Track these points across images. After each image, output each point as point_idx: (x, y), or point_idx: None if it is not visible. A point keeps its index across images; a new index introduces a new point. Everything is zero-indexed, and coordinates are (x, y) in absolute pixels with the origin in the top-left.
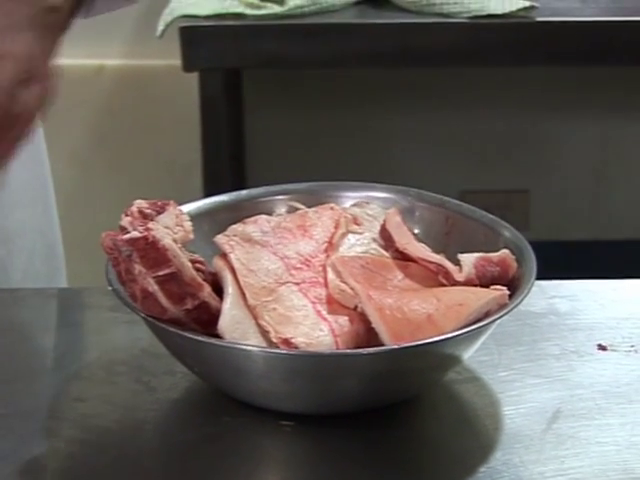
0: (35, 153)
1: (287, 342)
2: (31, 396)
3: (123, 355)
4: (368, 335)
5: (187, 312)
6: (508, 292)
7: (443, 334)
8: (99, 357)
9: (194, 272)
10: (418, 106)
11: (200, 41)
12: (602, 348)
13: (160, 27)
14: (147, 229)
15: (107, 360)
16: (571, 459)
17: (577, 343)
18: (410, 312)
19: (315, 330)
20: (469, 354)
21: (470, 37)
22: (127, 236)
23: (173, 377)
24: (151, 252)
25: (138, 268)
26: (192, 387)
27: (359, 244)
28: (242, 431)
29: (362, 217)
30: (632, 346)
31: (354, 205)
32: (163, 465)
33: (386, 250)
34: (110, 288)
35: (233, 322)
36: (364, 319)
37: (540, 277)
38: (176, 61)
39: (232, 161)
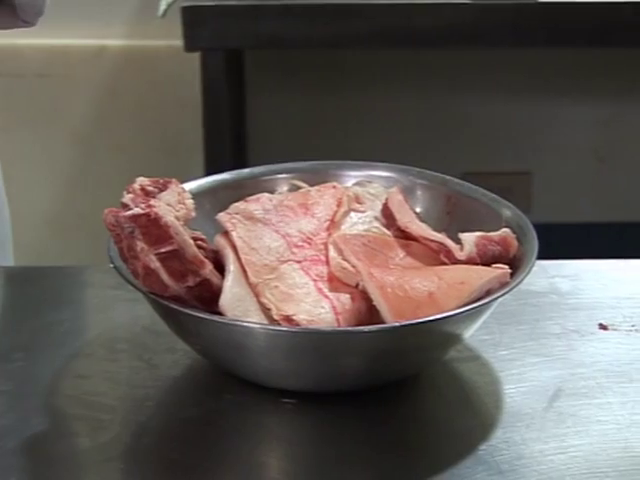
0: None
1: (289, 319)
2: (33, 373)
3: (124, 333)
4: (369, 313)
5: (189, 289)
6: (509, 270)
7: (444, 312)
8: (100, 335)
9: (196, 249)
10: (420, 87)
11: (202, 21)
12: (603, 327)
13: (162, 7)
14: (149, 206)
15: (108, 338)
16: (572, 437)
17: (578, 322)
18: (411, 290)
19: (317, 307)
20: (470, 332)
21: (472, 18)
22: (129, 213)
23: (174, 354)
24: (153, 229)
25: (140, 245)
26: (193, 364)
27: (361, 222)
28: (243, 409)
29: (364, 196)
30: (633, 325)
31: (356, 184)
32: (164, 442)
33: (388, 229)
34: (112, 265)
35: (234, 299)
36: (365, 297)
37: (542, 259)
38: (178, 41)
39: (234, 141)
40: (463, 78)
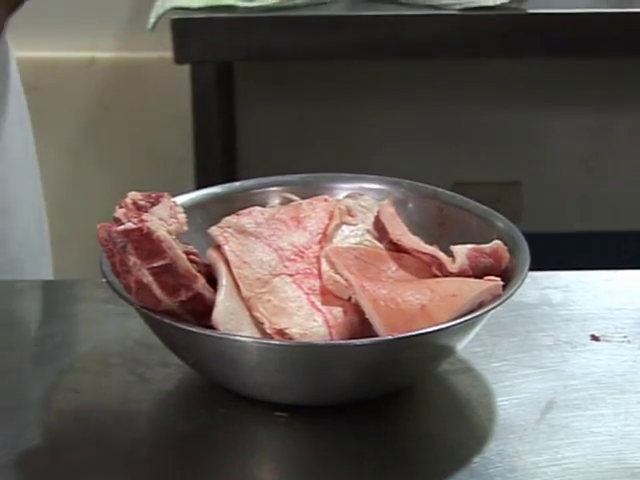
0: (23, 130)
1: (282, 333)
2: (25, 388)
3: (117, 347)
4: (362, 326)
5: (181, 303)
6: (502, 283)
7: (437, 325)
8: (93, 349)
9: (188, 264)
10: (410, 98)
11: (192, 33)
12: (595, 339)
13: (152, 19)
14: (141, 220)
15: (101, 352)
16: (565, 449)
17: (570, 334)
18: (404, 303)
19: (309, 321)
20: (463, 345)
21: (461, 29)
22: (122, 227)
23: (167, 369)
24: (146, 243)
25: (133, 259)
26: (186, 378)
27: (353, 235)
28: (236, 422)
29: (355, 209)
30: (625, 337)
31: (347, 197)
32: (157, 456)
33: (380, 241)
34: (104, 280)
35: (227, 314)
36: (358, 310)
37: (533, 269)
38: (168, 53)
39: (224, 153)
40: (452, 89)
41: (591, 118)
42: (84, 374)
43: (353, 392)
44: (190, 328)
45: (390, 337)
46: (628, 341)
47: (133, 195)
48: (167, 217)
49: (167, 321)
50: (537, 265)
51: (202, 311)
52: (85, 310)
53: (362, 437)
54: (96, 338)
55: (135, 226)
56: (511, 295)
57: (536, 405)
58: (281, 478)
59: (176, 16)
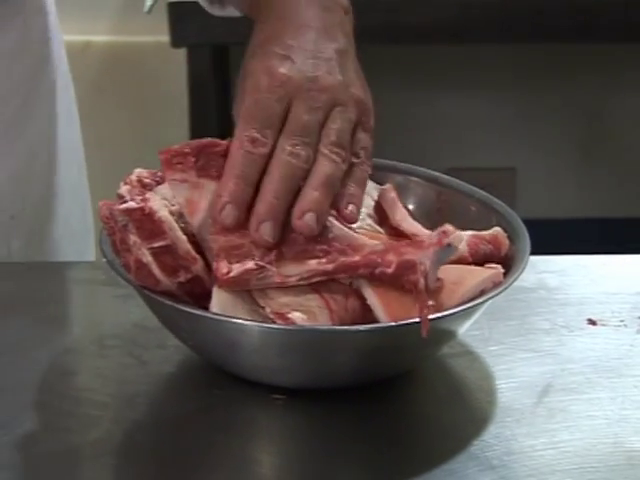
0: (71, 115)
1: (283, 317)
2: (22, 370)
3: (115, 329)
4: (363, 311)
5: (180, 285)
6: (503, 270)
7: (438, 312)
8: (91, 331)
9: (189, 245)
10: (404, 83)
11: (188, 17)
12: (592, 323)
13: (148, 3)
14: (144, 199)
15: (98, 334)
16: (562, 432)
17: (567, 318)
18: (405, 290)
19: (311, 305)
20: (462, 331)
21: (456, 14)
22: (124, 206)
23: (165, 350)
24: (147, 223)
25: (133, 238)
26: (184, 360)
27: None
28: (234, 404)
29: None
30: (622, 320)
31: None
32: (156, 438)
33: (380, 226)
34: (104, 260)
35: (225, 300)
36: (359, 295)
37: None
38: (164, 37)
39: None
40: (448, 74)
41: (586, 103)
42: (82, 356)
43: (352, 377)
44: (191, 310)
45: (393, 324)
46: (625, 325)
47: (139, 172)
48: (170, 197)
49: (167, 302)
50: (534, 251)
51: (200, 293)
52: (83, 292)
53: (360, 420)
54: (94, 320)
55: (137, 205)
56: (513, 282)
57: (533, 389)
58: (280, 459)
59: (172, 0)
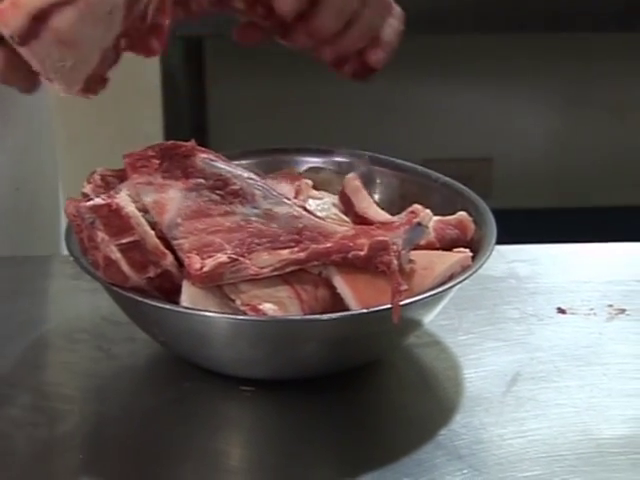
0: (40, 100)
1: (254, 309)
2: None
3: (83, 323)
4: (333, 300)
5: (149, 280)
6: (471, 254)
7: (409, 298)
8: (59, 325)
9: (157, 240)
10: (379, 75)
11: None
12: (561, 311)
13: None
14: (110, 196)
15: (67, 328)
16: (530, 421)
17: (537, 306)
18: (375, 277)
19: (281, 296)
20: (431, 317)
21: (431, 5)
22: (90, 203)
23: (133, 344)
24: (114, 219)
25: (101, 235)
26: (152, 354)
27: (320, 209)
28: (203, 396)
29: (318, 182)
30: (591, 309)
31: (307, 171)
32: (124, 431)
33: (346, 214)
34: (71, 258)
35: (195, 293)
36: (329, 284)
37: (503, 244)
38: None
39: (194, 130)
40: (423, 64)
41: (561, 94)
42: (50, 350)
43: (321, 366)
44: (159, 304)
45: (364, 311)
46: (594, 313)
47: (101, 171)
48: (135, 194)
49: (136, 297)
50: (508, 241)
51: (170, 288)
52: (52, 286)
53: (329, 409)
54: (63, 314)
55: (104, 202)
56: (481, 266)
57: (502, 377)
58: (249, 451)
59: None
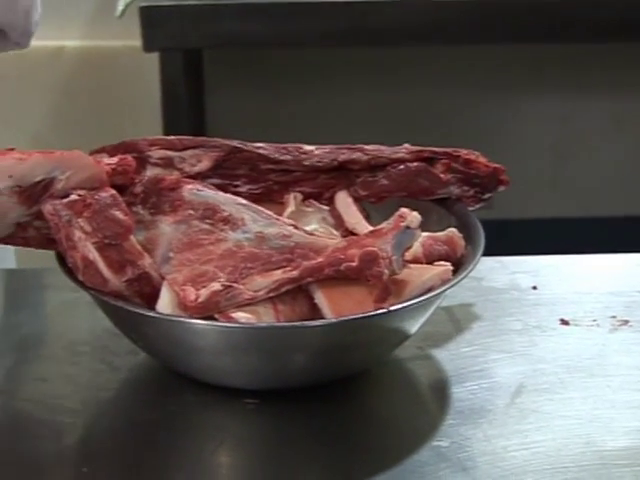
0: None
1: (227, 316)
2: None
3: (85, 335)
4: (311, 311)
5: (129, 283)
6: (451, 267)
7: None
8: (61, 337)
9: (133, 239)
10: (379, 84)
11: (160, 21)
12: (564, 323)
13: (120, 7)
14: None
15: (69, 340)
16: (534, 433)
17: (539, 318)
18: (352, 288)
19: (257, 305)
20: (415, 329)
21: (429, 15)
22: (66, 200)
23: (136, 357)
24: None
25: (78, 234)
26: (155, 366)
27: (308, 223)
28: (205, 410)
29: None
30: (594, 320)
31: None
32: (128, 445)
33: (336, 229)
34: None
35: (173, 298)
36: (306, 295)
37: (502, 255)
38: (136, 42)
39: None
40: (423, 75)
41: (560, 104)
42: (52, 363)
43: (306, 375)
44: (136, 310)
45: (334, 320)
46: (597, 325)
47: None
48: None
49: (114, 303)
50: (506, 251)
51: (150, 293)
52: (53, 298)
53: (330, 422)
54: (64, 327)
55: (79, 197)
56: (462, 278)
57: (506, 389)
58: (251, 465)
59: (144, 4)
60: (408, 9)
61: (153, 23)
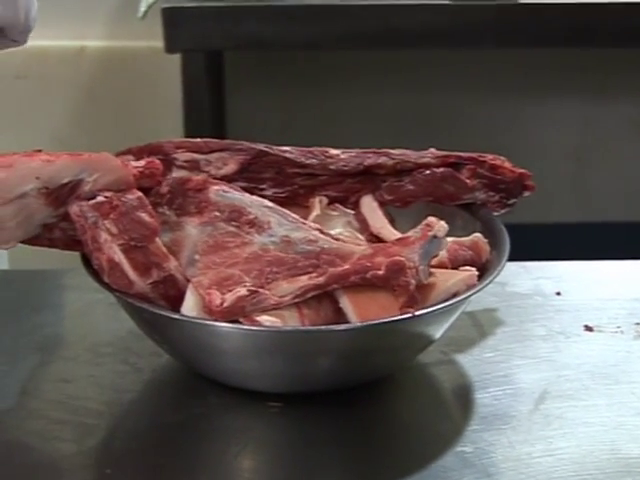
0: None
1: (252, 320)
2: (16, 378)
3: (109, 336)
4: (336, 316)
5: (154, 285)
6: (476, 273)
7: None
8: (84, 338)
9: (159, 241)
10: (398, 86)
11: (182, 22)
12: (588, 329)
13: (142, 8)
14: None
15: (93, 341)
16: (559, 439)
17: (563, 324)
18: (377, 293)
19: (282, 309)
20: (439, 334)
21: (452, 18)
22: (92, 201)
23: (160, 358)
24: (116, 217)
25: (104, 236)
26: (179, 368)
27: (333, 226)
28: (229, 412)
29: None
30: (618, 327)
31: None
32: (151, 446)
33: (361, 233)
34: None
35: (198, 301)
36: (331, 299)
37: (524, 260)
38: (158, 42)
39: None
40: (442, 78)
41: (581, 108)
42: (75, 364)
43: (330, 380)
44: (161, 312)
45: (359, 324)
46: (621, 331)
47: None
48: None
49: (139, 305)
50: (528, 255)
51: (175, 296)
52: (76, 300)
53: (354, 427)
54: (87, 327)
55: (106, 199)
56: (487, 284)
57: (530, 395)
58: (274, 468)
59: (166, 5)
60: (431, 12)
61: (175, 24)
